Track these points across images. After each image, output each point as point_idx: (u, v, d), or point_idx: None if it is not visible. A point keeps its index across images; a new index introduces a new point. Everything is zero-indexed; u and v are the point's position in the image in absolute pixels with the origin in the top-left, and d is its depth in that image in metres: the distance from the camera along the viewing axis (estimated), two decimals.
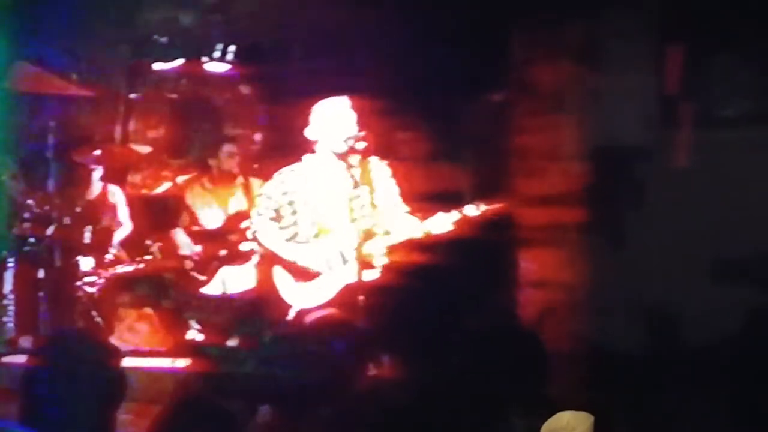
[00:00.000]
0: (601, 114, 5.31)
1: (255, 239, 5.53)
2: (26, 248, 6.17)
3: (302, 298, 5.32)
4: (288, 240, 5.33)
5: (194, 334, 6.12)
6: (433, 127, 6.02)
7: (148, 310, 6.29)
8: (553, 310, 5.18)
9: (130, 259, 6.32)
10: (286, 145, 5.81)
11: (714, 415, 4.28)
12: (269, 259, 5.42)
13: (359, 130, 5.25)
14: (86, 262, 6.19)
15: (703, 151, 5.24)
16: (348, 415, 3.25)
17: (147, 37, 6.67)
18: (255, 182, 6.26)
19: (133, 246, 6.38)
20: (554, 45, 5.35)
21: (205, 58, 6.69)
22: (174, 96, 7.20)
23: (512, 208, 5.33)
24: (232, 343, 5.78)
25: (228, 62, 6.68)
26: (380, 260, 5.26)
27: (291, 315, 5.33)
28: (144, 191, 6.74)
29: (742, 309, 4.52)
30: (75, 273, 6.16)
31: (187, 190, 6.47)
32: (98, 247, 6.25)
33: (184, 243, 6.30)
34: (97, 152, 6.45)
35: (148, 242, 6.38)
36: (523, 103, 5.51)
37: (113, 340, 5.75)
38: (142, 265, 6.31)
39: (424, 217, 5.29)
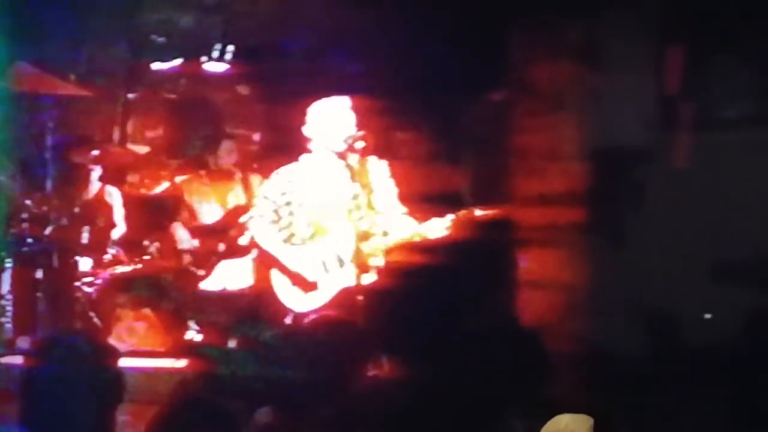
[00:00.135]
0: (601, 114, 5.30)
1: (253, 242, 5.52)
2: (24, 249, 6.16)
3: (299, 301, 5.31)
4: (285, 241, 5.32)
5: (193, 334, 6.11)
6: (433, 127, 6.01)
7: (147, 311, 6.27)
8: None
9: (128, 260, 6.31)
10: (285, 145, 5.80)
11: (714, 416, 4.28)
12: (267, 258, 5.41)
13: (358, 130, 5.24)
14: (84, 263, 6.18)
15: (703, 151, 5.23)
16: (348, 415, 3.24)
17: (145, 37, 6.66)
18: (254, 178, 6.25)
19: (131, 246, 6.36)
20: (554, 45, 5.34)
21: (203, 58, 6.68)
22: (172, 96, 7.19)
23: (512, 209, 5.32)
24: (231, 343, 5.77)
25: (227, 62, 6.67)
26: (378, 261, 5.25)
27: (289, 317, 5.32)
28: (142, 191, 6.73)
29: (742, 310, 4.51)
30: (73, 273, 6.14)
31: (185, 185, 6.46)
32: (96, 248, 6.24)
33: (182, 237, 6.29)
34: (96, 152, 6.44)
35: (146, 243, 6.36)
36: (523, 103, 5.51)
37: (111, 340, 5.74)
38: (140, 266, 6.29)
39: (422, 218, 5.28)
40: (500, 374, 3.36)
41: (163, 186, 6.66)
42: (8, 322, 6.08)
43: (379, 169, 5.37)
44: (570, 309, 5.18)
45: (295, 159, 5.43)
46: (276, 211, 5.35)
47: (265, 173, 5.75)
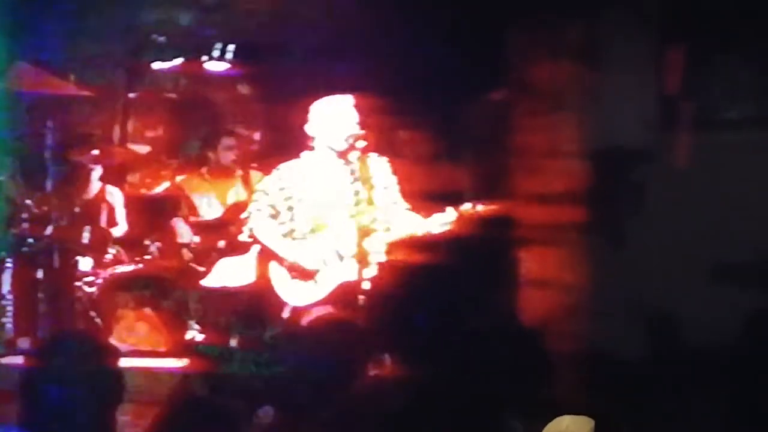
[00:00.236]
0: (601, 114, 5.30)
1: (252, 236, 5.51)
2: (25, 249, 6.15)
3: (299, 296, 5.30)
4: (284, 236, 5.32)
5: (193, 334, 6.10)
6: (433, 126, 6.01)
7: (147, 310, 6.27)
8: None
9: (129, 259, 6.31)
10: (285, 144, 5.80)
11: (714, 416, 4.28)
12: (267, 255, 5.41)
13: (359, 129, 5.24)
14: (85, 263, 6.18)
15: (703, 151, 5.23)
16: (348, 415, 3.24)
17: (145, 37, 6.66)
18: (254, 175, 6.24)
19: (132, 246, 6.36)
20: (554, 45, 5.34)
21: (204, 58, 6.68)
22: (173, 95, 7.18)
23: (512, 208, 5.32)
24: (232, 343, 5.77)
25: (227, 61, 6.67)
26: (378, 258, 5.25)
27: (287, 313, 5.31)
28: (143, 191, 6.72)
29: (742, 310, 4.51)
30: (74, 273, 6.14)
31: (185, 182, 6.46)
32: (97, 248, 6.23)
33: (183, 232, 6.28)
34: (96, 152, 6.43)
35: (146, 242, 6.36)
36: (524, 103, 5.50)
37: (112, 340, 5.74)
38: (141, 266, 6.29)
39: (423, 216, 5.28)
40: (500, 374, 3.36)
41: (164, 186, 6.66)
42: (9, 322, 6.07)
43: (380, 166, 5.37)
44: (570, 309, 5.18)
45: (296, 157, 5.42)
46: (275, 206, 5.35)
47: (266, 171, 5.74)
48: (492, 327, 4.13)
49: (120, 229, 6.40)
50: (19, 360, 5.47)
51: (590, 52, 5.31)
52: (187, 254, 6.20)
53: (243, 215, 5.89)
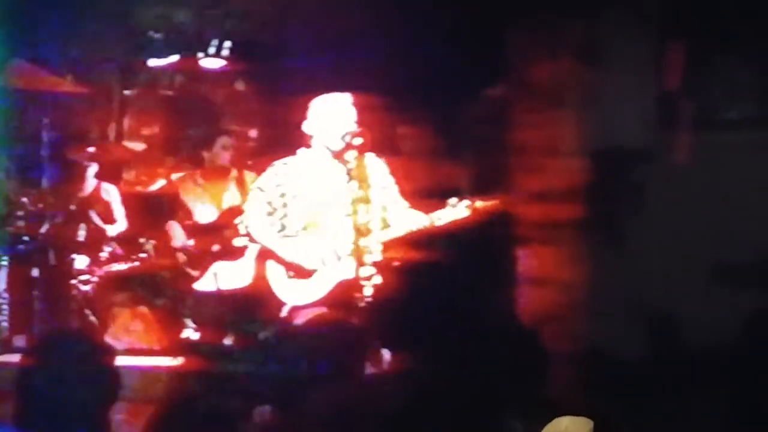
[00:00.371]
0: (601, 114, 5.29)
1: (247, 234, 5.49)
2: (20, 247, 6.13)
3: (296, 295, 5.28)
4: (279, 233, 5.29)
5: (189, 332, 6.08)
6: (433, 125, 5.99)
7: (143, 309, 6.25)
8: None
9: (124, 258, 6.28)
10: (282, 142, 5.77)
11: (714, 416, 4.26)
12: (264, 255, 5.39)
13: (357, 127, 5.22)
14: (80, 261, 6.16)
15: (702, 151, 5.22)
16: (347, 414, 3.22)
17: (142, 34, 6.64)
18: (249, 176, 6.21)
19: (127, 244, 6.34)
20: (554, 44, 5.32)
21: (200, 55, 6.66)
22: (169, 93, 7.16)
23: (511, 206, 5.31)
24: (227, 341, 5.74)
25: (223, 58, 6.65)
26: (375, 257, 5.23)
27: (284, 312, 5.29)
28: (138, 189, 6.70)
29: (742, 310, 4.50)
30: (69, 271, 6.12)
31: (180, 184, 6.43)
32: (92, 246, 6.21)
33: (178, 235, 6.26)
34: (92, 150, 6.41)
35: (142, 240, 6.34)
36: (524, 102, 5.49)
37: (108, 338, 5.71)
38: (136, 264, 6.27)
39: (422, 214, 5.26)
40: (500, 374, 3.35)
41: (160, 183, 6.64)
42: (4, 321, 6.05)
43: (377, 164, 5.35)
44: (570, 309, 5.17)
45: (293, 154, 5.40)
46: (270, 203, 5.32)
47: (262, 170, 5.72)
48: (492, 327, 4.12)
49: (119, 226, 6.37)
50: (14, 358, 5.44)
51: (590, 52, 5.30)
52: (181, 257, 6.18)
53: (238, 219, 5.86)
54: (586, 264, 5.20)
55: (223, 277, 6.03)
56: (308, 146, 5.35)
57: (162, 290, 6.31)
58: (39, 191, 6.46)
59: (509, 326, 4.53)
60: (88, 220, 6.27)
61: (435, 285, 5.19)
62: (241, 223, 5.61)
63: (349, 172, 5.20)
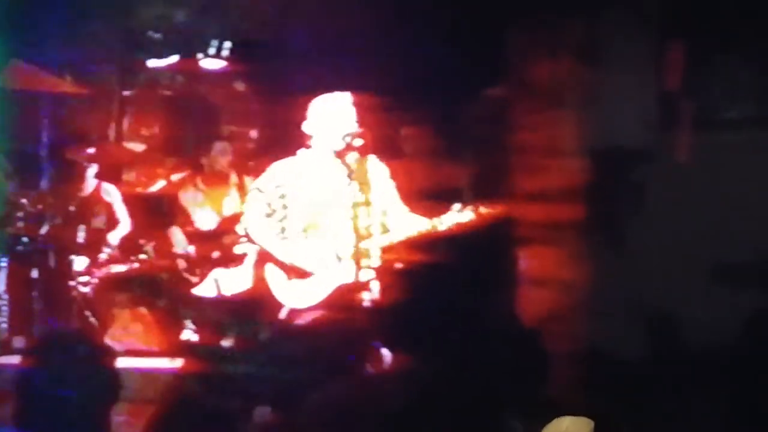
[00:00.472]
0: (601, 114, 5.29)
1: (247, 236, 5.48)
2: (19, 248, 6.13)
3: (295, 298, 5.28)
4: (278, 234, 5.29)
5: (189, 334, 6.08)
6: (432, 124, 5.99)
7: (143, 310, 6.24)
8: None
9: (124, 259, 6.28)
10: (282, 143, 5.77)
11: (714, 416, 4.26)
12: (263, 257, 5.38)
13: (357, 128, 5.22)
14: (80, 262, 6.15)
15: (703, 151, 5.22)
16: (347, 415, 3.22)
17: (141, 34, 6.64)
18: (249, 181, 6.20)
19: (127, 245, 6.34)
20: (555, 44, 5.32)
21: (200, 55, 6.66)
22: (168, 93, 7.16)
23: (511, 207, 5.31)
24: (227, 343, 5.74)
25: (223, 59, 6.64)
26: (376, 259, 5.22)
27: (283, 314, 5.29)
28: (138, 190, 6.70)
29: (742, 310, 4.50)
30: (69, 272, 6.11)
31: (180, 190, 6.42)
32: (92, 247, 6.21)
33: (179, 241, 6.26)
34: (91, 150, 6.41)
35: (141, 241, 6.33)
36: (524, 102, 5.49)
37: (107, 340, 5.71)
38: (136, 265, 6.27)
39: (421, 215, 5.26)
40: (500, 374, 3.34)
41: (159, 184, 6.63)
42: (4, 322, 6.05)
43: (377, 166, 5.35)
44: (570, 309, 5.16)
45: (292, 155, 5.40)
46: (269, 204, 5.32)
47: (261, 171, 5.71)
48: (492, 327, 4.12)
49: (124, 228, 6.35)
50: (14, 360, 5.44)
51: (590, 52, 5.29)
52: (181, 264, 6.18)
53: (238, 226, 5.86)
54: (587, 264, 5.20)
55: (223, 282, 6.03)
56: (308, 147, 5.35)
57: (162, 292, 6.31)
58: (38, 192, 6.45)
59: (509, 326, 4.53)
60: (88, 222, 6.26)
61: (435, 285, 5.19)
62: (241, 226, 5.61)
63: (349, 174, 5.20)
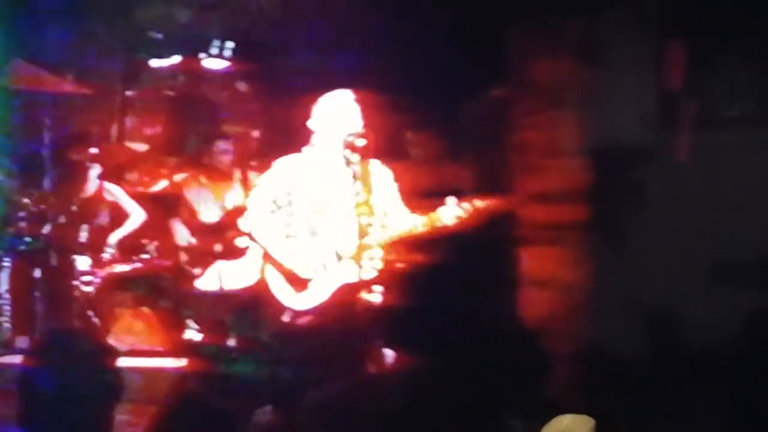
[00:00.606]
0: (601, 113, 5.29)
1: (249, 234, 5.49)
2: (22, 247, 6.14)
3: (297, 300, 5.29)
4: (282, 232, 5.30)
5: (192, 333, 6.09)
6: (434, 125, 6.00)
7: (145, 310, 6.26)
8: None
9: (126, 259, 6.29)
10: (284, 142, 5.78)
11: (714, 416, 4.27)
12: (266, 257, 5.39)
13: (360, 127, 5.23)
14: (82, 261, 6.16)
15: (703, 150, 5.22)
16: (347, 414, 3.23)
17: (144, 34, 6.64)
18: (253, 177, 6.21)
19: (129, 245, 6.35)
20: (555, 43, 5.32)
21: (202, 55, 6.66)
22: (171, 93, 7.17)
23: (512, 206, 5.31)
24: (230, 342, 5.75)
25: (225, 59, 6.65)
26: (377, 258, 5.23)
27: (286, 314, 5.30)
28: (140, 189, 6.70)
29: (742, 310, 4.50)
30: (71, 272, 6.12)
31: (184, 185, 6.44)
32: (94, 246, 6.22)
33: (181, 234, 6.27)
34: (94, 150, 6.41)
35: (144, 241, 6.34)
36: (524, 101, 5.49)
37: (110, 339, 5.72)
38: (138, 264, 6.28)
39: (422, 215, 5.27)
40: (500, 374, 3.35)
41: (162, 184, 6.64)
42: (6, 322, 6.06)
43: (381, 171, 5.36)
44: (570, 309, 5.17)
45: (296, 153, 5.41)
46: (274, 202, 5.33)
47: (265, 170, 5.73)
48: (492, 327, 4.13)
49: (138, 216, 6.33)
50: (16, 359, 5.45)
51: (590, 51, 5.29)
52: (183, 256, 6.19)
53: (241, 219, 5.87)
54: (587, 264, 5.20)
55: (226, 276, 6.05)
56: (312, 145, 5.36)
57: (164, 291, 6.31)
58: (41, 192, 6.46)
59: (509, 326, 4.53)
60: (91, 221, 6.27)
61: (436, 285, 5.20)
62: (245, 222, 5.62)
63: (353, 174, 5.21)
